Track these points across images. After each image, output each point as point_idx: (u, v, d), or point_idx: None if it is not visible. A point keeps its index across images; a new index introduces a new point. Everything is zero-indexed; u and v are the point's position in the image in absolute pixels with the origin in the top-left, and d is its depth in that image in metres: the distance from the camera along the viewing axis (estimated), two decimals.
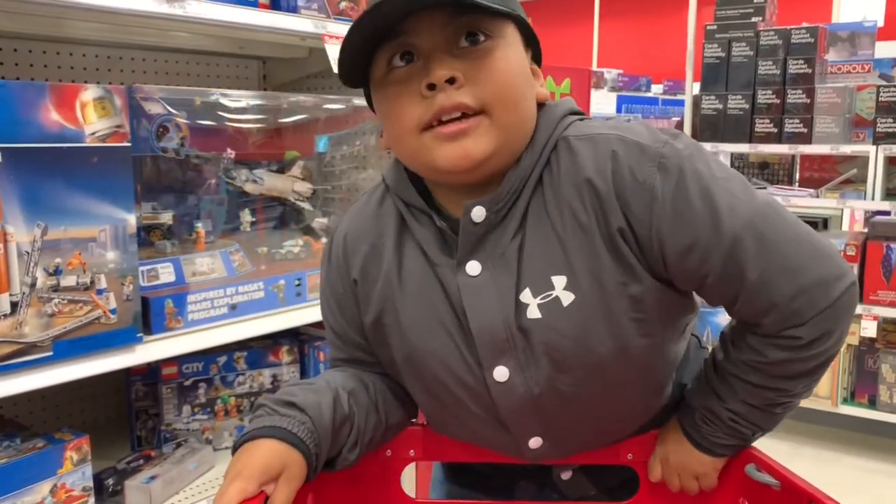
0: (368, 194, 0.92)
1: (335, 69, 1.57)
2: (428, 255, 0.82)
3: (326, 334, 0.96)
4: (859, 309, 2.94)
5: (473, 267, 0.80)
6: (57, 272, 1.16)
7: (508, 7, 0.76)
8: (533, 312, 0.79)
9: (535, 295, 0.78)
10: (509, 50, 0.77)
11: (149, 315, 1.33)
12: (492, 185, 0.79)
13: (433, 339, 0.83)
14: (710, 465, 0.89)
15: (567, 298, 0.78)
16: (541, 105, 0.82)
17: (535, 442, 0.87)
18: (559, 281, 0.78)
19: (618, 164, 0.76)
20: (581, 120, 0.83)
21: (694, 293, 0.85)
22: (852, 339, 3.04)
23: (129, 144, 1.24)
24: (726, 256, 0.75)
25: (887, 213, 3.07)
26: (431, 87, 0.73)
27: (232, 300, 1.48)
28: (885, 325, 3.12)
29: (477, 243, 0.80)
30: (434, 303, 0.82)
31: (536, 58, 0.85)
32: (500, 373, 0.81)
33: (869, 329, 3.20)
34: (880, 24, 4.54)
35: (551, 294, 0.78)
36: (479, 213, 0.78)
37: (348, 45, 0.75)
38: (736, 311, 0.80)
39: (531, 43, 0.83)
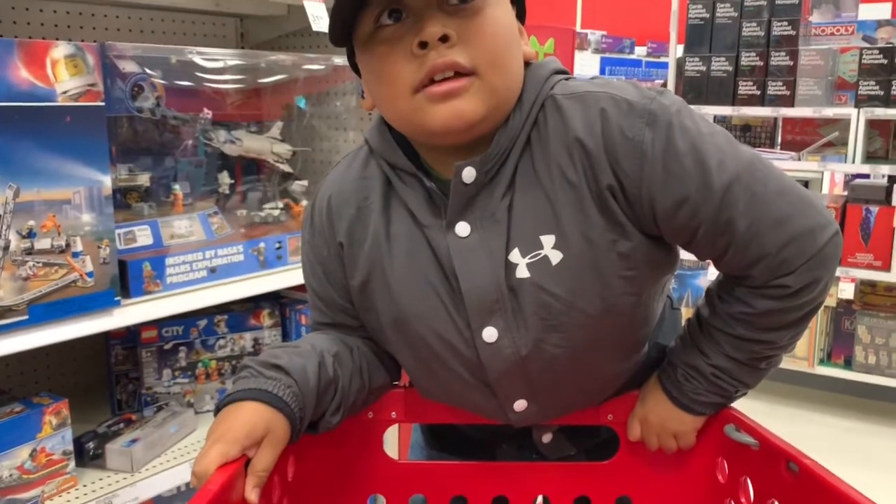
0: (351, 156, 0.90)
1: (314, 27, 1.54)
2: (416, 216, 0.82)
3: (309, 298, 0.95)
4: (837, 271, 2.97)
5: (463, 228, 0.80)
6: (31, 235, 1.14)
7: None
8: (522, 272, 0.79)
9: (524, 255, 0.78)
10: (498, 8, 0.76)
11: (126, 278, 1.31)
12: (481, 146, 0.78)
13: (422, 301, 0.83)
14: (689, 424, 0.90)
15: (556, 257, 0.78)
16: (527, 64, 0.81)
17: (520, 405, 0.87)
18: (548, 240, 0.78)
19: (607, 122, 0.75)
20: (567, 79, 0.82)
21: (680, 248, 0.85)
22: (830, 301, 3.07)
23: (102, 104, 1.21)
24: (716, 210, 0.75)
25: (867, 176, 3.09)
26: (423, 45, 0.72)
27: (211, 263, 1.47)
28: (863, 287, 3.16)
29: (467, 204, 0.79)
30: (423, 265, 0.82)
31: (521, 16, 0.83)
32: (489, 333, 0.81)
33: (846, 291, 3.24)
34: None
35: (540, 253, 0.78)
36: (469, 174, 0.78)
37: (337, 4, 0.73)
38: (725, 263, 0.81)
39: (516, 1, 0.82)
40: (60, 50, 1.15)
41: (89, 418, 1.51)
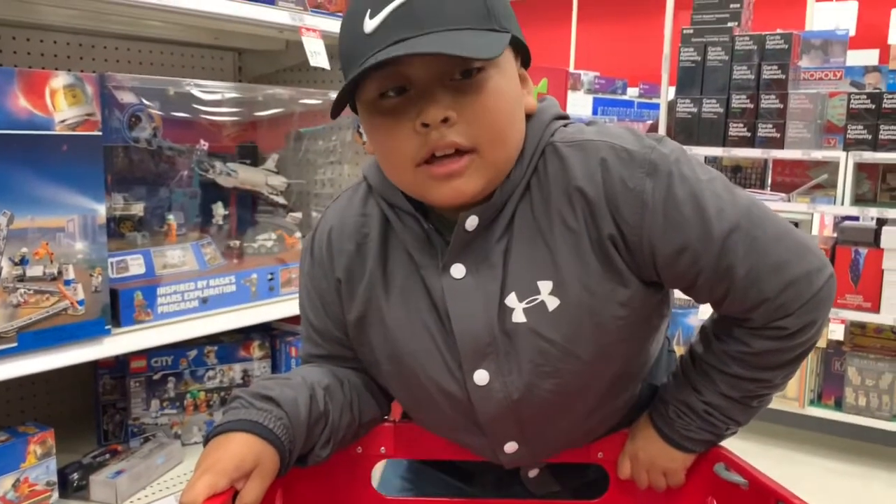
0: (351, 191, 0.91)
1: (312, 62, 1.56)
2: (413, 256, 0.82)
3: (303, 329, 0.95)
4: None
5: (458, 270, 0.80)
6: (23, 262, 1.14)
7: (505, 29, 0.75)
8: (518, 317, 0.79)
9: (520, 299, 0.79)
10: (502, 79, 0.76)
11: (118, 307, 1.31)
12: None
13: (415, 340, 0.83)
14: (680, 462, 0.89)
15: (552, 303, 0.78)
16: (528, 115, 0.82)
17: (510, 447, 0.87)
18: (545, 286, 0.78)
19: (607, 172, 0.76)
20: (566, 125, 0.83)
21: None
22: (820, 342, 3.07)
23: (99, 133, 1.22)
24: (717, 257, 0.76)
25: (856, 218, 3.12)
26: (425, 125, 0.72)
27: (203, 293, 1.46)
28: (853, 328, 3.17)
29: (463, 247, 0.80)
30: (418, 304, 0.82)
31: (525, 63, 0.83)
32: (481, 376, 0.81)
33: (836, 332, 3.25)
34: (852, 33, 4.62)
35: (537, 299, 0.78)
36: (472, 223, 0.79)
37: (345, 89, 0.73)
38: (725, 307, 0.82)
39: (520, 49, 0.81)
40: (60, 80, 1.16)
41: (75, 448, 1.49)
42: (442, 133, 0.73)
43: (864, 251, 2.91)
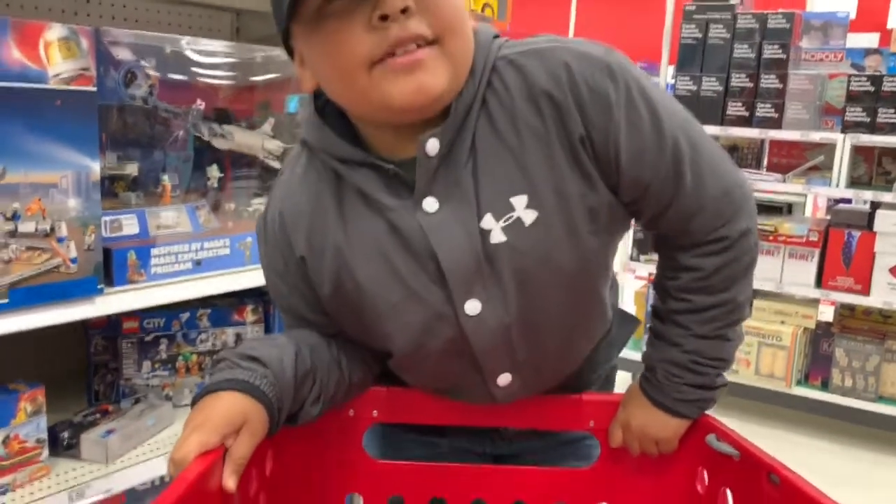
0: (292, 164, 0.88)
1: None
2: (378, 202, 0.79)
3: (280, 313, 0.95)
4: (817, 293, 3.01)
5: (430, 203, 0.78)
6: (15, 217, 1.12)
7: None
8: (497, 237, 0.78)
9: (497, 219, 0.78)
10: None
11: (111, 267, 1.30)
12: (435, 120, 0.77)
13: (395, 291, 0.82)
14: (672, 430, 0.90)
15: (529, 217, 0.78)
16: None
17: (503, 379, 0.88)
18: (520, 201, 0.77)
19: (571, 74, 0.76)
20: (508, 41, 0.83)
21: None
22: (809, 323, 3.10)
23: (94, 89, 1.20)
24: (669, 158, 0.80)
25: (850, 201, 3.12)
26: (384, 17, 0.69)
27: (197, 255, 1.45)
28: (842, 310, 3.19)
29: (430, 179, 0.78)
30: (390, 253, 0.80)
31: None
32: (472, 306, 0.80)
33: (826, 314, 3.28)
34: (852, 16, 4.59)
35: (513, 216, 0.77)
36: (433, 146, 0.77)
37: None
38: (666, 219, 0.84)
39: None
40: (54, 32, 1.14)
41: (65, 407, 1.49)
42: (403, 25, 0.69)
43: (856, 234, 2.92)
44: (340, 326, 0.90)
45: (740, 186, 0.85)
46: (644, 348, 0.93)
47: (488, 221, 0.78)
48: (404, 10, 0.69)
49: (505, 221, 0.78)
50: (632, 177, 0.79)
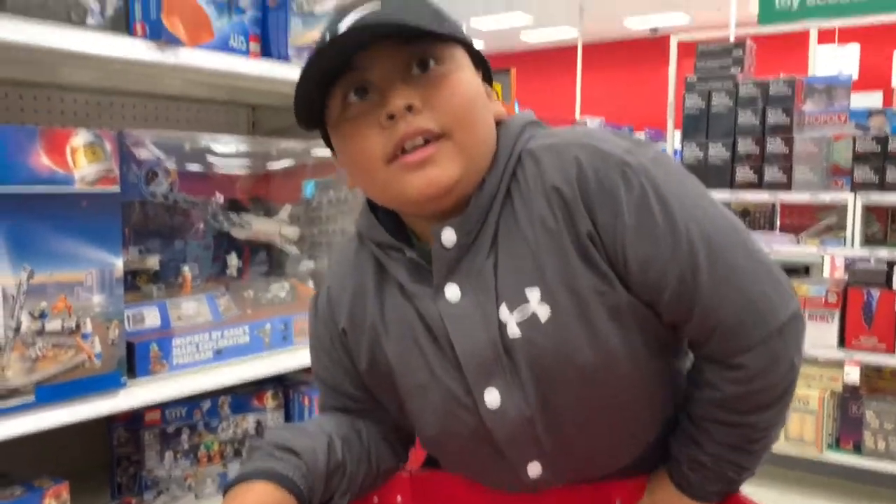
0: (345, 247, 0.93)
1: None
2: (405, 288, 0.83)
3: (318, 386, 0.96)
4: (841, 354, 2.97)
5: (453, 291, 0.80)
6: (42, 316, 1.15)
7: (452, 32, 0.77)
8: (513, 331, 0.78)
9: (511, 310, 0.78)
10: (462, 73, 0.78)
11: (133, 359, 1.32)
12: (462, 209, 0.79)
13: (419, 375, 0.83)
14: None
15: (544, 312, 0.77)
16: (499, 123, 0.83)
17: (533, 468, 0.86)
18: (533, 294, 0.78)
19: (581, 170, 0.76)
20: (541, 130, 0.84)
21: None
22: (836, 386, 3.05)
23: (118, 189, 1.25)
24: (685, 270, 0.76)
25: (867, 259, 3.12)
26: (391, 117, 0.74)
27: (217, 344, 1.47)
28: (868, 371, 3.13)
29: (453, 267, 0.80)
30: (416, 337, 0.83)
31: (487, 79, 0.85)
32: (492, 398, 0.80)
33: (852, 375, 3.22)
34: (855, 76, 4.67)
35: (527, 308, 0.78)
36: (449, 237, 0.79)
37: (302, 85, 0.75)
38: (688, 329, 0.80)
39: (481, 64, 0.83)
40: (80, 138, 1.20)
41: (90, 502, 1.49)
42: (408, 121, 0.73)
43: (876, 292, 2.90)
44: (377, 402, 0.92)
45: (774, 308, 0.76)
46: None
47: (504, 313, 0.79)
48: (410, 108, 0.74)
49: (520, 314, 0.78)
50: (641, 281, 0.77)
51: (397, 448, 0.94)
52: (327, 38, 0.73)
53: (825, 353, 3.01)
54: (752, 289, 0.76)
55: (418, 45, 0.75)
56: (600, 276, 0.77)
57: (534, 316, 0.78)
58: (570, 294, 0.77)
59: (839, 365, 3.09)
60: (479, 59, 0.83)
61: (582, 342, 0.78)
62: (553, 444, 0.84)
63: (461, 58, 0.79)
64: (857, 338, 2.92)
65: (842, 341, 2.99)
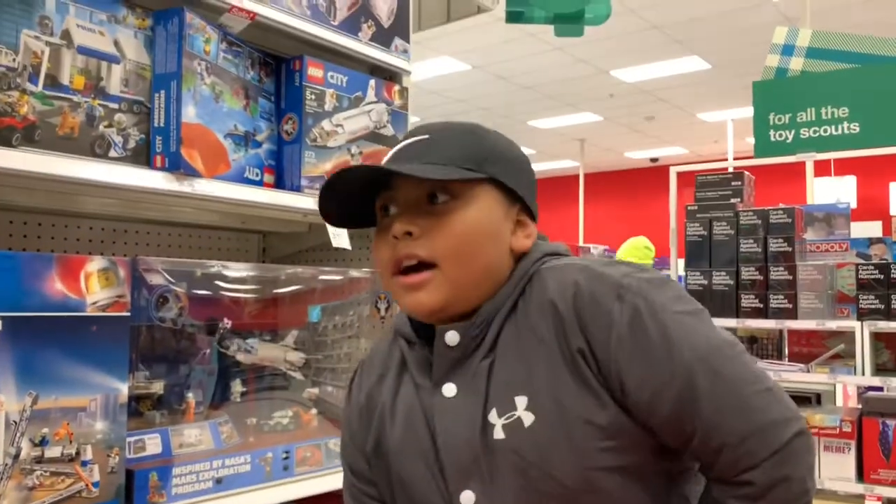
0: (383, 337, 1.03)
1: (334, 243, 1.63)
2: (415, 379, 0.90)
3: (343, 467, 1.01)
4: (861, 489, 2.86)
5: (450, 388, 0.86)
6: (43, 443, 1.14)
7: (479, 171, 0.85)
8: (498, 433, 0.81)
9: (500, 415, 0.82)
10: (470, 209, 0.85)
11: (132, 489, 1.29)
12: (469, 314, 0.87)
13: (410, 463, 0.87)
14: None
15: (528, 419, 0.80)
16: (522, 253, 0.88)
17: None
18: (521, 401, 0.81)
19: (579, 290, 0.81)
20: (558, 258, 0.89)
21: None
22: None
23: (128, 314, 1.26)
24: (680, 392, 0.76)
25: (880, 388, 3.07)
26: (395, 237, 0.85)
27: (218, 473, 1.44)
28: None
29: (454, 366, 0.86)
30: (415, 427, 0.88)
31: (530, 212, 0.91)
32: (466, 497, 0.82)
33: None
34: (853, 205, 4.77)
35: (514, 415, 0.81)
36: (452, 338, 0.85)
37: (341, 187, 0.87)
38: (692, 450, 0.79)
39: (517, 196, 0.90)
40: (95, 264, 1.23)
41: None
42: (406, 244, 0.84)
43: (892, 423, 2.84)
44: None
45: (777, 427, 0.76)
46: None
47: (493, 416, 0.82)
48: (409, 234, 0.84)
49: (506, 419, 0.81)
50: (637, 401, 0.78)
51: None
52: (388, 154, 0.89)
53: (844, 487, 2.91)
54: (754, 406, 0.76)
55: (434, 181, 0.84)
56: (591, 394, 0.78)
57: (519, 420, 0.80)
58: (555, 405, 0.79)
59: (860, 499, 2.98)
60: (514, 193, 0.89)
61: (565, 459, 0.78)
62: None
63: (482, 193, 0.86)
64: (876, 471, 2.83)
65: (860, 474, 2.90)
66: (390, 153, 0.89)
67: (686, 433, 0.78)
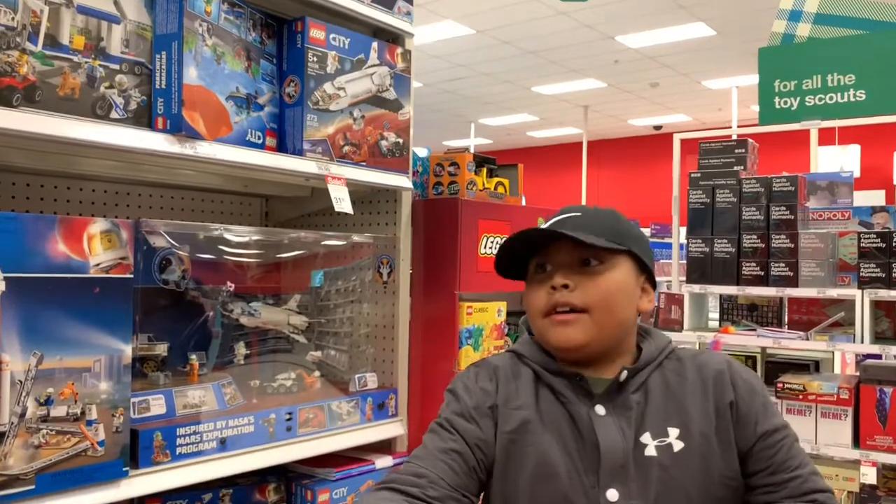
0: (503, 355, 1.21)
1: (337, 208, 1.63)
2: (562, 396, 1.11)
3: (435, 427, 1.12)
4: (857, 454, 2.90)
5: (600, 409, 1.09)
6: (48, 402, 1.15)
7: (622, 245, 1.12)
8: (650, 451, 1.06)
9: (653, 438, 1.07)
10: (615, 273, 1.12)
11: (136, 448, 1.31)
12: (592, 364, 1.13)
13: (562, 461, 1.06)
14: None
15: (678, 446, 1.06)
16: (642, 312, 1.16)
17: None
18: (674, 431, 1.07)
19: (732, 367, 1.14)
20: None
21: None
22: (852, 486, 2.96)
23: (131, 276, 1.27)
24: (786, 440, 1.08)
25: (878, 356, 3.08)
26: (554, 287, 1.10)
27: (222, 434, 1.46)
28: (885, 471, 3.05)
29: (609, 394, 1.10)
30: (563, 431, 1.09)
31: (652, 280, 1.18)
32: (612, 494, 1.04)
33: (869, 475, 3.13)
34: (857, 174, 4.74)
35: (666, 440, 1.07)
36: (623, 376, 1.10)
37: (507, 247, 1.14)
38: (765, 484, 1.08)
39: (646, 269, 1.17)
40: (97, 226, 1.23)
41: None
42: (563, 294, 1.10)
43: (889, 390, 2.85)
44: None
45: (822, 481, 1.08)
46: None
47: (646, 438, 1.07)
48: (566, 286, 1.10)
49: (659, 442, 1.07)
50: (761, 448, 1.07)
51: None
52: (542, 225, 1.13)
53: (840, 453, 2.94)
54: (805, 459, 1.09)
55: (588, 249, 1.10)
56: (727, 440, 1.08)
57: (669, 445, 1.06)
58: (703, 440, 1.06)
59: (855, 465, 3.01)
60: (644, 267, 1.16)
61: (699, 479, 1.05)
62: None
63: (622, 262, 1.13)
64: (872, 437, 2.85)
65: (856, 440, 2.93)
66: (551, 221, 1.14)
67: (782, 477, 1.07)
